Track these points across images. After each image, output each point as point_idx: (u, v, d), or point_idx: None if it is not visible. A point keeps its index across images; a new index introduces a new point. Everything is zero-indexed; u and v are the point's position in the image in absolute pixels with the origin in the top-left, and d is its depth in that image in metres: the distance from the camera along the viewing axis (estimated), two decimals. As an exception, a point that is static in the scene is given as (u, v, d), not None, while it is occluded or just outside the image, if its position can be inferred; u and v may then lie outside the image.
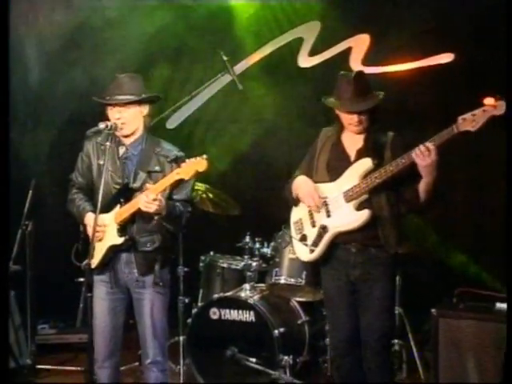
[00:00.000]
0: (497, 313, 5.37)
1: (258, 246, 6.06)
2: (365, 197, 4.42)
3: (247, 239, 6.07)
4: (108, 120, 4.53)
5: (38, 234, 6.00)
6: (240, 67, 6.92)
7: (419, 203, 4.41)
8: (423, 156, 4.21)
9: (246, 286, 5.89)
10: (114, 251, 4.54)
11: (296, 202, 4.69)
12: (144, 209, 4.35)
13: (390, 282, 4.57)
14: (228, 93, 6.97)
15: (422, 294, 6.19)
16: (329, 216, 4.52)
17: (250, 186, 7.39)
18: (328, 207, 4.52)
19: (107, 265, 4.58)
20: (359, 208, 4.43)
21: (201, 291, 6.22)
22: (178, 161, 4.46)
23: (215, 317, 5.67)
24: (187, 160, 4.33)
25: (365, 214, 4.40)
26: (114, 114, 4.53)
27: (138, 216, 4.50)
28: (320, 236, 4.53)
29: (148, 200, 4.32)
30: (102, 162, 4.53)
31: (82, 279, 4.48)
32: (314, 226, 4.58)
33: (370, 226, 4.43)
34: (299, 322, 5.85)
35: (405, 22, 6.58)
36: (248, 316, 5.60)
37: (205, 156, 4.27)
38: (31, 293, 6.04)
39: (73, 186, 4.76)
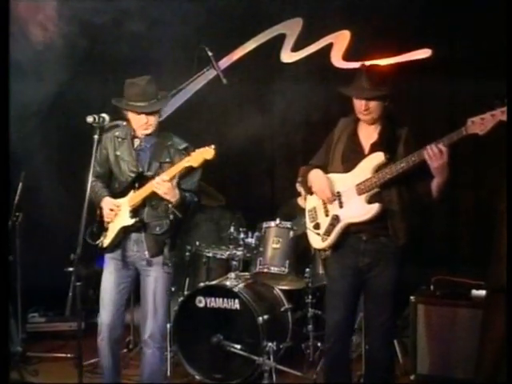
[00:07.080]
0: (472, 299, 5.47)
1: (242, 236, 6.10)
2: (376, 190, 4.47)
3: (232, 229, 6.14)
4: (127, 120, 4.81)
5: (28, 225, 6.06)
6: (224, 63, 6.94)
7: (432, 198, 4.46)
8: (435, 158, 4.25)
9: (231, 274, 5.96)
10: (124, 232, 4.80)
11: (310, 191, 4.77)
12: (155, 189, 4.63)
13: (398, 270, 4.61)
14: (214, 87, 6.91)
15: (401, 281, 6.31)
16: (341, 207, 4.59)
17: (235, 179, 7.46)
18: (341, 198, 4.60)
19: (118, 244, 4.83)
20: (370, 201, 4.49)
21: (187, 280, 6.25)
22: (187, 150, 4.74)
23: (201, 305, 5.71)
24: (196, 150, 4.61)
25: (375, 208, 4.47)
26: (141, 119, 4.75)
27: (149, 202, 4.77)
28: (332, 225, 4.60)
29: (159, 181, 4.60)
30: (118, 153, 4.85)
31: (70, 269, 4.46)
32: (327, 215, 4.66)
33: (380, 218, 4.49)
34: (282, 309, 5.93)
35: (383, 19, 6.59)
36: (233, 304, 5.65)
37: (213, 146, 4.56)
38: (21, 282, 6.09)
39: (92, 174, 4.94)
